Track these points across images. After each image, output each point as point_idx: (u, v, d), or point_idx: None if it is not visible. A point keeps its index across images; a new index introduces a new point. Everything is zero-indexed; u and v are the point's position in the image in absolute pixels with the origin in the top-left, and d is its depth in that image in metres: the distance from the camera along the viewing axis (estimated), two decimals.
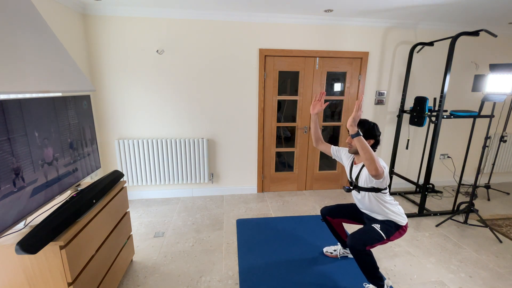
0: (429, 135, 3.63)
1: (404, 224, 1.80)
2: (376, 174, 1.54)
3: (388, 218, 1.81)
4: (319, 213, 3.07)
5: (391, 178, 3.51)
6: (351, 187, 1.91)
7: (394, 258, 2.28)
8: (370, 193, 1.80)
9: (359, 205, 1.96)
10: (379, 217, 1.84)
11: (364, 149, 1.53)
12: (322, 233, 2.64)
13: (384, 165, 1.63)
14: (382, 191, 1.77)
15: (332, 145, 2.08)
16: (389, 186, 2.03)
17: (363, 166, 1.81)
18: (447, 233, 2.68)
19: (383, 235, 1.75)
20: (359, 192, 1.87)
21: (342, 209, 2.09)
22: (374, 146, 1.82)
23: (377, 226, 1.78)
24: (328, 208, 2.12)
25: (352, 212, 2.05)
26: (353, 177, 1.88)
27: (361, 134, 1.57)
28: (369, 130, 1.77)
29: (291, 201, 3.41)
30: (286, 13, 2.99)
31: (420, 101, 3.02)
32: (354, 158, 1.93)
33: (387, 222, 1.81)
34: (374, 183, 1.72)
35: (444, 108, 3.31)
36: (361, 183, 1.82)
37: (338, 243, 2.30)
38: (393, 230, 1.79)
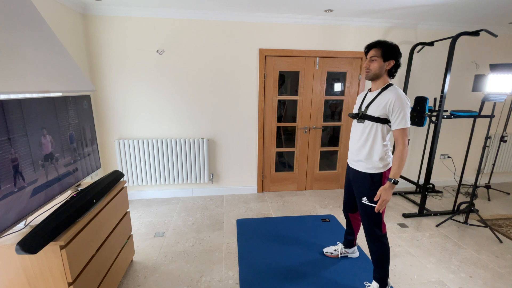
0: (429, 135, 3.63)
1: (385, 171, 1.70)
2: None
3: (371, 167, 1.71)
4: (319, 213, 3.07)
5: None
6: (357, 116, 1.79)
7: (394, 258, 2.28)
8: (375, 124, 1.68)
9: (354, 145, 1.83)
10: (364, 166, 1.74)
11: (402, 166, 1.62)
12: (322, 233, 2.64)
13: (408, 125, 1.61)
14: (389, 124, 1.66)
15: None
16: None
17: (379, 93, 1.68)
18: (447, 233, 2.68)
19: (375, 205, 1.72)
20: (363, 122, 1.74)
21: (348, 196, 2.03)
22: (394, 69, 1.68)
23: (365, 200, 1.75)
24: (344, 205, 2.10)
25: (353, 194, 1.98)
26: (364, 106, 1.76)
27: (396, 180, 1.62)
28: (389, 50, 1.63)
29: (291, 201, 3.41)
30: (286, 13, 2.99)
31: (420, 101, 3.02)
32: (369, 88, 1.81)
33: (368, 181, 1.72)
34: (386, 115, 1.65)
35: (445, 108, 3.31)
36: (370, 111, 1.70)
37: (339, 243, 2.30)
38: (376, 189, 1.71)
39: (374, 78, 1.71)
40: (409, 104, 1.61)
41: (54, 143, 1.51)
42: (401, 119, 1.59)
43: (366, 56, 1.73)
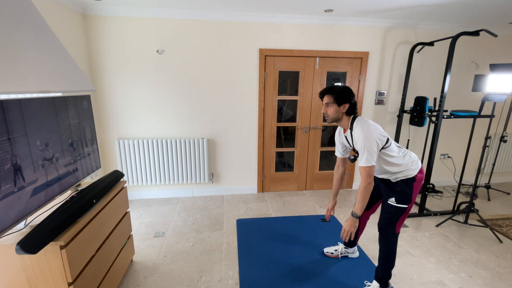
0: (429, 135, 3.63)
1: (416, 173, 1.70)
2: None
3: (399, 178, 1.72)
4: (319, 213, 3.07)
5: None
6: (356, 155, 1.81)
7: None
8: None
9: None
10: (392, 178, 1.75)
11: (365, 200, 1.64)
12: (323, 233, 2.64)
13: (374, 149, 1.59)
14: (384, 147, 1.67)
15: (337, 155, 1.99)
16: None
17: (351, 133, 1.71)
18: (447, 233, 2.68)
19: (402, 206, 1.71)
20: None
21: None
22: (352, 110, 1.69)
23: (392, 201, 1.73)
24: None
25: (375, 191, 1.95)
26: (351, 146, 1.78)
27: (357, 214, 1.67)
28: (341, 94, 1.66)
29: (291, 201, 3.41)
30: (286, 13, 2.99)
31: (420, 101, 3.02)
32: (342, 129, 1.82)
33: (399, 185, 1.72)
34: None
35: (444, 108, 3.31)
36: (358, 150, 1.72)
37: (339, 243, 2.30)
38: (409, 189, 1.71)
39: (334, 121, 1.74)
40: (372, 134, 1.59)
41: (55, 148, 1.51)
42: (362, 156, 1.62)
43: (322, 101, 1.75)
